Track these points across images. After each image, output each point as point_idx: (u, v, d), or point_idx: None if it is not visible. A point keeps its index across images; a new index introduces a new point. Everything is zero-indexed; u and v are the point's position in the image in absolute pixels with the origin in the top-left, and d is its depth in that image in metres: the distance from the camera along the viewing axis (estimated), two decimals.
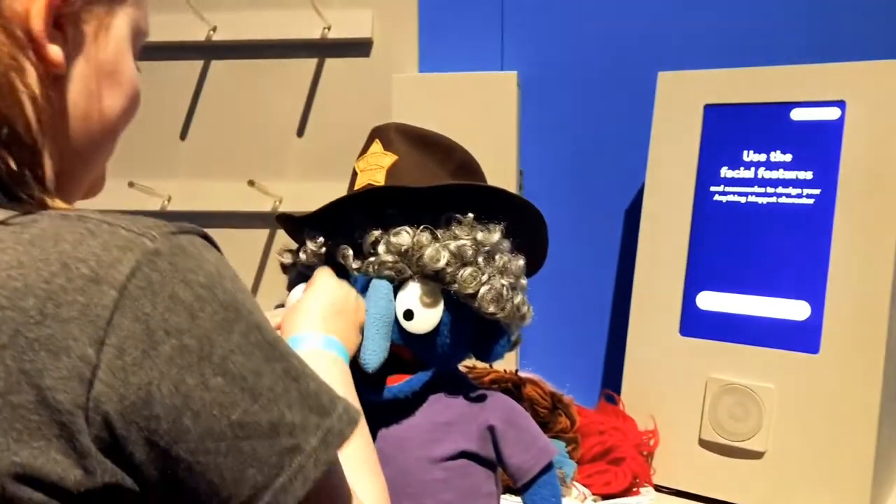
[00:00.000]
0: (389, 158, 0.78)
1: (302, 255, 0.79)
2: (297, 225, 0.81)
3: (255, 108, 1.46)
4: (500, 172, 1.24)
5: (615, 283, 1.43)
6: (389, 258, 0.74)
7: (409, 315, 0.74)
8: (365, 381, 0.74)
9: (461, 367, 0.86)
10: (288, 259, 0.82)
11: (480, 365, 1.17)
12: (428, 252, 0.73)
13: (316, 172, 1.42)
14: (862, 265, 1.05)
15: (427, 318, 0.74)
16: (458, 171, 0.82)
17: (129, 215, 0.46)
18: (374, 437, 0.77)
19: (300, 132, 1.44)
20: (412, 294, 0.74)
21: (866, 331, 1.03)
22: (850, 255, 1.06)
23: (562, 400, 1.16)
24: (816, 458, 1.05)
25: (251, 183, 1.33)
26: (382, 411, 0.77)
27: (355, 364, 0.73)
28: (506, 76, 1.33)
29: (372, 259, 0.74)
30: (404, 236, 0.73)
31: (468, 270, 0.73)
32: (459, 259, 0.73)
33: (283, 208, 1.39)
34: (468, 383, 0.83)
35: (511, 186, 1.30)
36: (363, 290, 0.75)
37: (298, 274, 0.82)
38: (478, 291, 0.74)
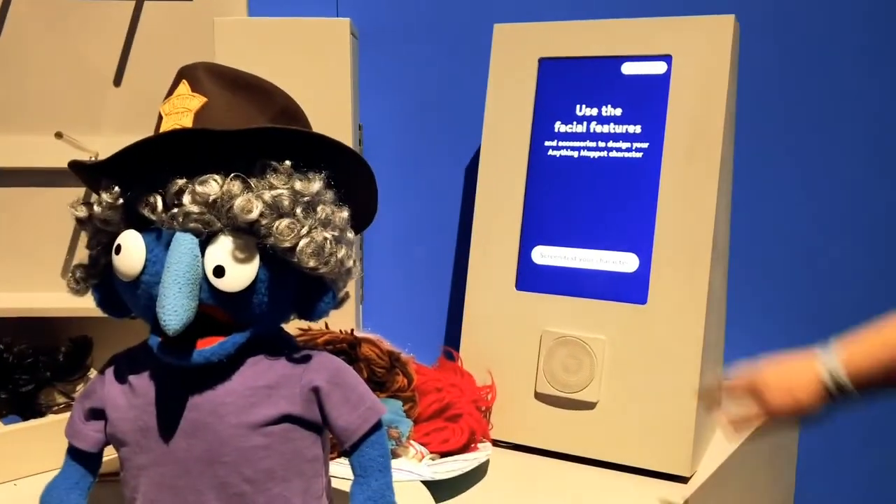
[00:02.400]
0: (198, 101, 0.72)
1: (96, 208, 0.71)
2: (94, 174, 0.73)
3: (65, 54, 1.32)
4: (336, 126, 1.18)
5: (457, 240, 1.41)
6: (195, 209, 0.67)
7: (219, 272, 0.68)
8: (171, 344, 0.68)
9: (295, 328, 0.81)
10: (82, 212, 0.73)
11: (315, 326, 1.13)
12: (238, 202, 0.66)
13: (134, 125, 1.29)
14: (686, 217, 1.08)
15: (240, 275, 0.68)
16: (278, 117, 0.76)
17: None
18: (184, 404, 0.71)
19: (117, 81, 1.32)
20: (222, 249, 0.68)
21: (691, 281, 1.07)
22: (675, 208, 1.08)
23: (399, 358, 1.13)
24: (644, 406, 1.07)
25: (59, 135, 1.21)
26: (194, 377, 0.71)
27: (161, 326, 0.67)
28: (339, 22, 1.26)
29: (176, 210, 0.67)
30: (212, 185, 0.67)
31: (285, 222, 0.68)
32: (275, 210, 0.68)
33: None
34: (291, 344, 0.78)
35: (348, 141, 1.25)
36: (168, 246, 0.68)
37: (97, 230, 0.74)
38: (296, 245, 0.68)
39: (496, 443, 1.15)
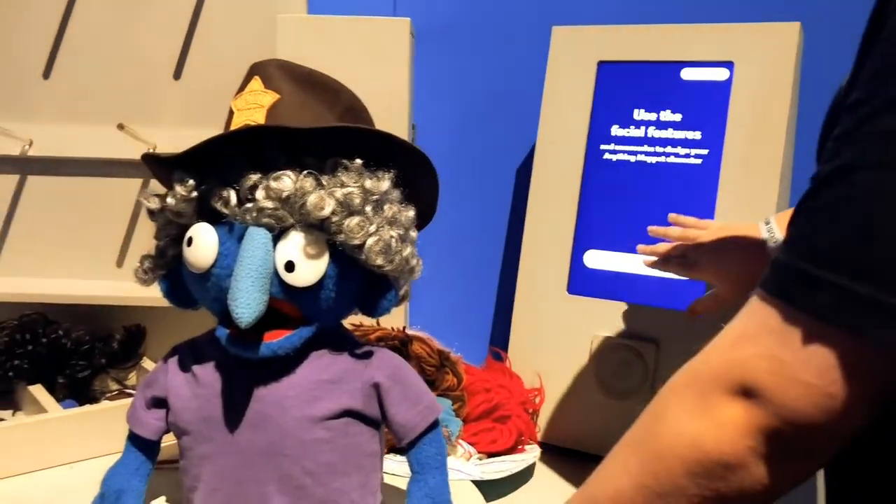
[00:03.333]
0: (270, 97, 0.73)
1: (170, 200, 0.72)
2: (167, 167, 0.74)
3: (127, 46, 1.34)
4: (392, 126, 1.17)
5: (505, 241, 1.41)
6: (269, 204, 0.68)
7: (290, 267, 0.69)
8: (240, 336, 0.70)
9: (346, 323, 0.82)
10: (155, 204, 0.74)
11: (367, 322, 1.14)
12: (312, 199, 0.67)
13: (193, 118, 1.32)
14: None
15: (310, 271, 0.70)
16: (345, 114, 0.77)
17: None
18: (249, 396, 0.72)
19: (177, 74, 1.34)
20: (293, 244, 0.69)
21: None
22: (732, 216, 1.07)
23: (449, 358, 1.14)
24: None
25: (121, 126, 1.23)
26: (260, 369, 0.72)
27: (229, 319, 0.67)
28: (399, 22, 1.27)
29: (250, 205, 0.68)
30: (286, 181, 0.68)
31: (355, 220, 0.69)
32: (346, 207, 0.69)
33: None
34: (353, 339, 0.79)
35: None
36: (238, 239, 0.69)
37: (168, 222, 0.76)
38: (365, 242, 0.70)
39: (543, 445, 1.15)
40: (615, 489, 0.52)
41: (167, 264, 0.77)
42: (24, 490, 0.98)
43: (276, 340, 0.70)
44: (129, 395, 1.21)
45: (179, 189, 0.71)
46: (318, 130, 0.69)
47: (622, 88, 1.17)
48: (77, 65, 1.34)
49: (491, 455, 1.08)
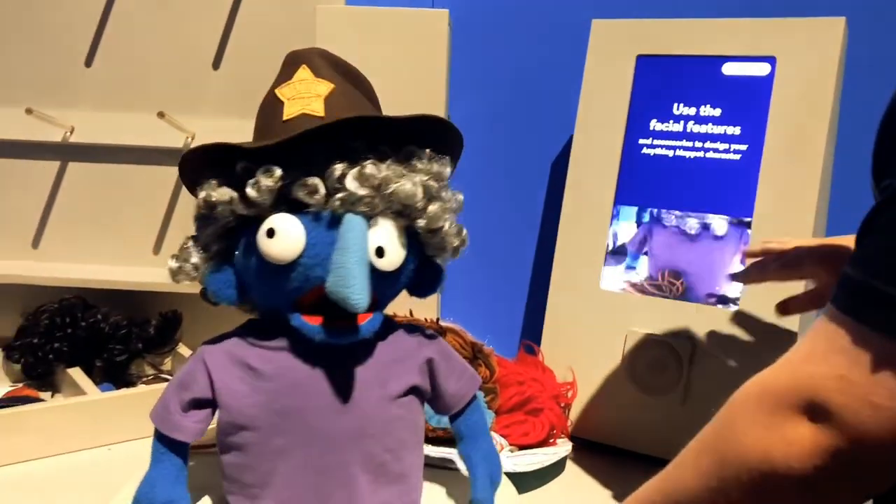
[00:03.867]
0: (325, 86, 0.73)
1: (251, 192, 0.69)
2: (223, 158, 0.71)
3: (167, 36, 1.36)
4: None
5: (539, 234, 1.41)
6: (364, 192, 0.68)
7: (380, 252, 0.71)
8: (336, 324, 0.70)
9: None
10: (225, 196, 0.71)
11: (400, 313, 1.14)
12: (406, 187, 0.70)
13: (232, 108, 1.33)
14: (784, 222, 1.05)
15: (397, 256, 0.72)
16: (376, 103, 0.80)
17: None
18: (329, 383, 0.72)
19: (216, 64, 1.36)
20: (385, 231, 0.71)
21: (785, 285, 1.04)
22: (772, 212, 1.06)
23: (482, 350, 1.14)
24: None
25: (161, 115, 1.25)
26: (334, 356, 0.73)
27: (332, 306, 0.67)
28: (438, 13, 1.27)
29: (343, 194, 0.69)
30: (377, 169, 0.69)
31: (437, 205, 0.73)
32: (427, 193, 0.72)
33: (196, 144, 1.31)
34: (394, 321, 0.81)
35: None
36: (328, 228, 0.69)
37: (227, 216, 0.72)
38: (443, 226, 0.74)
39: (575, 439, 1.14)
40: (685, 487, 0.54)
41: (210, 259, 0.75)
42: (63, 470, 1.00)
43: (365, 323, 0.71)
44: (165, 379, 1.23)
45: (266, 180, 0.69)
46: (402, 120, 0.71)
47: (661, 83, 1.16)
48: (118, 53, 1.36)
49: (523, 447, 1.07)
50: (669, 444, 1.09)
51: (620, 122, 1.18)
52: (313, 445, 0.72)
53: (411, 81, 1.26)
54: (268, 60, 0.83)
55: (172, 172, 1.38)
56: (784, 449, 0.47)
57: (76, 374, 1.17)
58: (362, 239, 0.68)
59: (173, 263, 0.75)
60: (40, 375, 1.23)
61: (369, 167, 0.69)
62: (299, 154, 0.69)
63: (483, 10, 1.36)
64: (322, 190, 0.69)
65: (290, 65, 0.76)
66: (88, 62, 1.37)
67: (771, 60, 1.08)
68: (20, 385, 1.23)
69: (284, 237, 0.69)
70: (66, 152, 1.37)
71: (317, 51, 0.77)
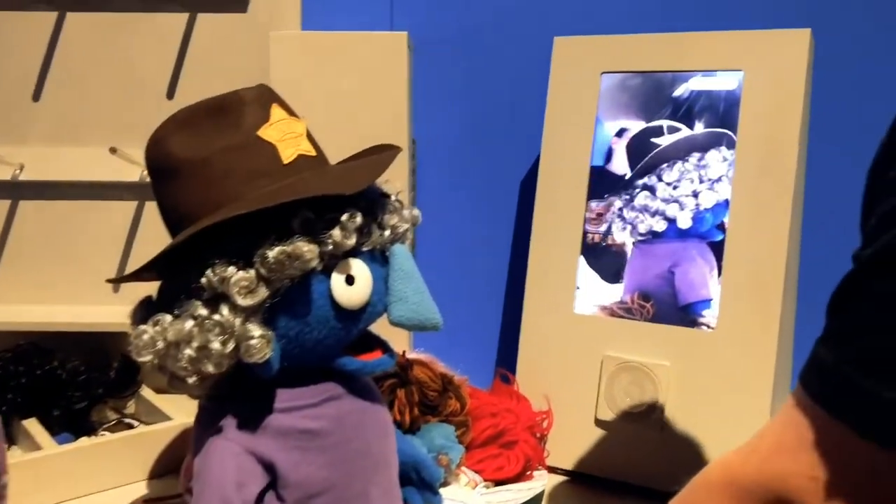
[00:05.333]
0: (300, 125, 0.73)
1: (339, 236, 0.67)
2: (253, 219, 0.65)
3: (118, 67, 1.32)
4: (391, 141, 1.16)
5: (511, 257, 1.38)
6: (405, 225, 0.75)
7: None
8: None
9: None
10: (315, 250, 0.66)
11: None
12: (415, 212, 0.77)
13: None
14: (757, 239, 1.03)
15: None
16: None
17: None
18: (367, 413, 0.75)
19: (170, 94, 1.31)
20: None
21: (761, 306, 1.02)
22: (745, 227, 1.04)
23: (452, 381, 1.10)
24: (710, 435, 1.03)
25: (113, 150, 1.20)
26: (358, 384, 0.76)
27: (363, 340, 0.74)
28: (396, 36, 1.24)
29: (390, 228, 0.73)
30: (399, 204, 0.75)
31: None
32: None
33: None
34: None
35: (404, 156, 1.23)
36: (379, 264, 0.73)
37: (286, 275, 0.66)
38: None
39: (553, 470, 1.11)
40: None
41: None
42: None
43: (375, 360, 0.76)
44: (129, 425, 1.18)
45: (350, 223, 0.68)
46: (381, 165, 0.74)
47: (626, 98, 1.13)
48: (67, 87, 1.32)
49: (498, 483, 1.04)
50: (649, 472, 1.07)
51: (587, 139, 1.15)
52: (379, 473, 0.75)
53: (372, 105, 1.22)
54: (223, 89, 0.79)
55: (128, 207, 1.34)
56: None
57: (32, 425, 1.12)
58: (415, 264, 0.74)
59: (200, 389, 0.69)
60: None
61: (398, 203, 0.75)
62: (348, 199, 0.69)
63: (444, 30, 1.33)
64: (377, 229, 0.72)
65: (259, 105, 0.72)
66: (36, 96, 1.32)
67: (738, 74, 1.06)
68: None
69: (364, 282, 0.70)
70: (17, 190, 1.33)
71: (266, 88, 0.76)
